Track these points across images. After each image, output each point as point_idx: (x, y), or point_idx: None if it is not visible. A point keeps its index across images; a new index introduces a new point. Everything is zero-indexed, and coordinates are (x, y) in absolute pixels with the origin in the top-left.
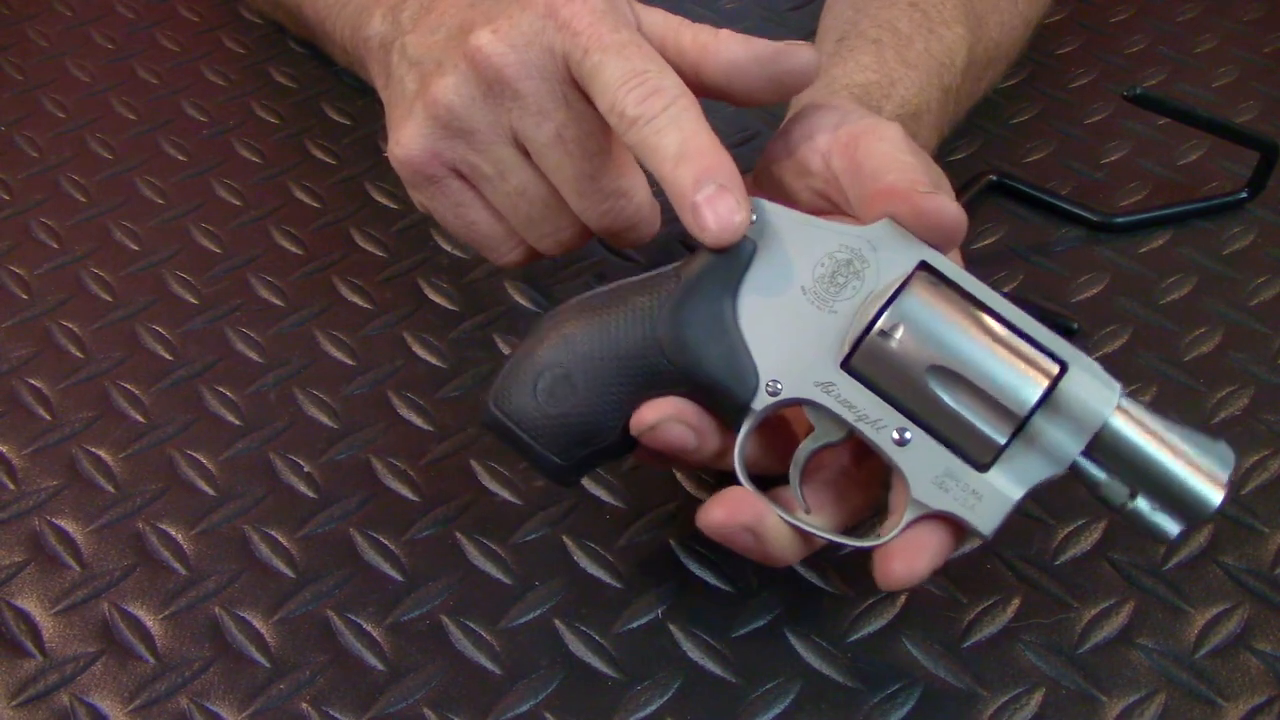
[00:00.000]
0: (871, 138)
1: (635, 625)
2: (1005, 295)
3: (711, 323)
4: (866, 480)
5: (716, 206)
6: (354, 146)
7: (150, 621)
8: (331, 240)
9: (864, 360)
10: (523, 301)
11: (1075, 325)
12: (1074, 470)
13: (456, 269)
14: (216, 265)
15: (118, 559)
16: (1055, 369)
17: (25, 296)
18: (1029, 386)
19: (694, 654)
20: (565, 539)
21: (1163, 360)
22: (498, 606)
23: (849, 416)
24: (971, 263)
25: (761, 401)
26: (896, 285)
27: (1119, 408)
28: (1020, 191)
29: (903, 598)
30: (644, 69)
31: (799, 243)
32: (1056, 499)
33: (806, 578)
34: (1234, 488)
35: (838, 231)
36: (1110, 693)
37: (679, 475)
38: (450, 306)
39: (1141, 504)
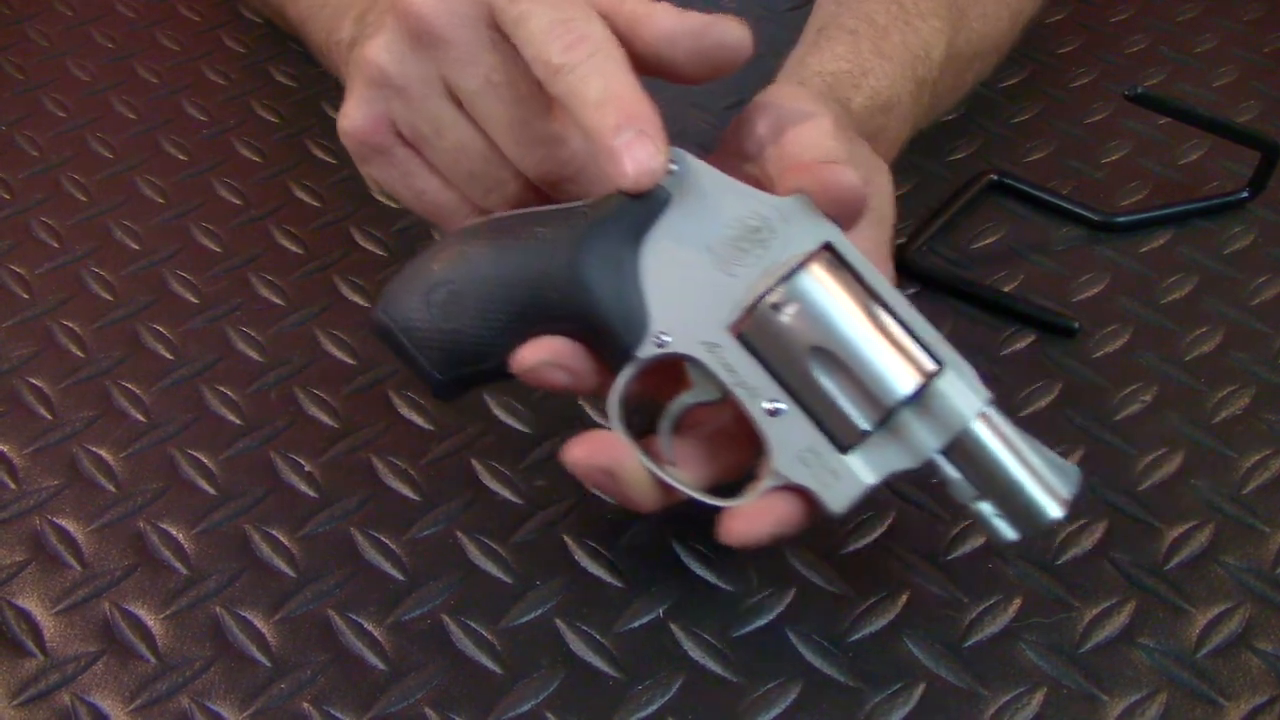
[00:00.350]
0: (805, 126)
1: (636, 624)
2: (906, 294)
3: (611, 265)
4: (743, 443)
5: (634, 151)
6: None
7: (151, 621)
8: (332, 239)
9: (751, 329)
10: None
11: (1076, 325)
12: (929, 465)
13: None
14: (217, 264)
15: (119, 558)
16: (932, 367)
17: (26, 296)
18: (902, 380)
19: (695, 653)
20: (566, 538)
21: (1163, 360)
22: (499, 606)
23: (727, 380)
24: (972, 262)
25: (646, 351)
26: (797, 261)
27: (982, 415)
28: (1021, 191)
29: (904, 597)
30: (569, 16)
31: (713, 202)
32: None
33: (808, 577)
34: (1235, 487)
35: (753, 198)
36: (1112, 692)
37: None
38: None
39: (985, 507)
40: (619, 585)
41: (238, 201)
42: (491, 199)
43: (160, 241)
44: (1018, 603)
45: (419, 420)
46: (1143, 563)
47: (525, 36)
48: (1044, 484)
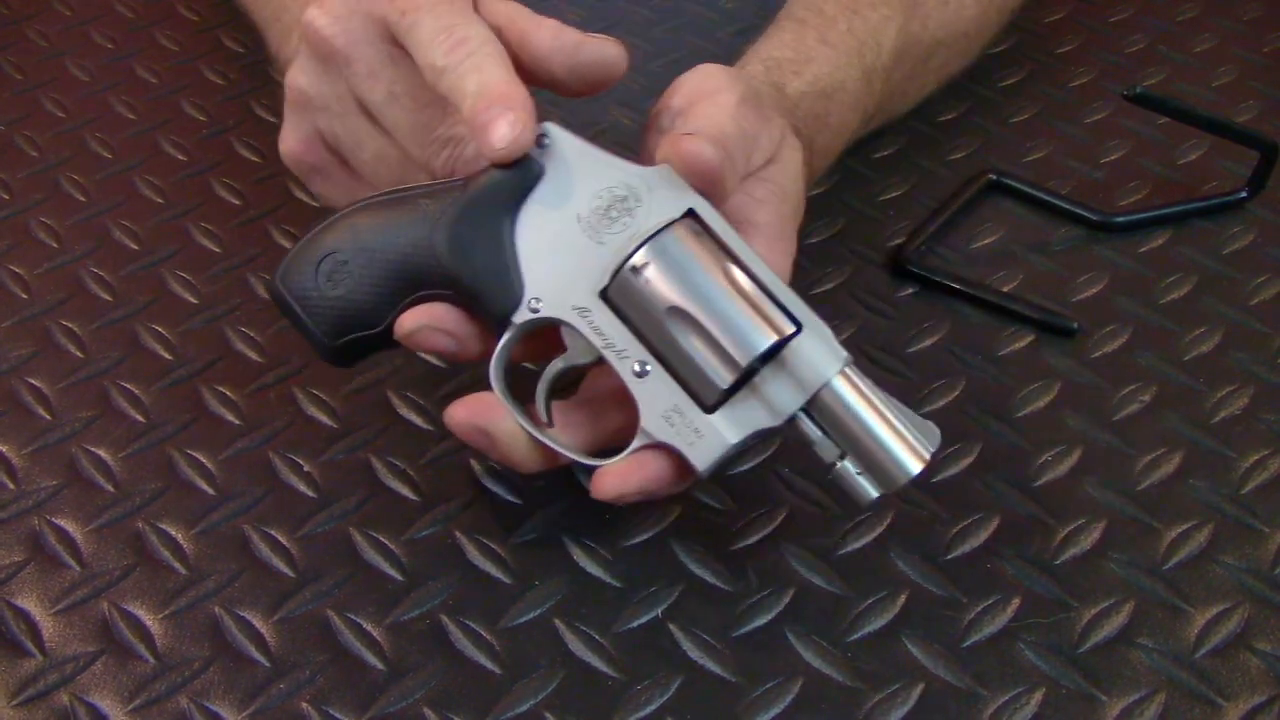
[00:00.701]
0: (707, 101)
1: (635, 624)
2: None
3: (487, 235)
4: (624, 409)
5: (499, 124)
6: None
7: (150, 621)
8: None
9: (618, 292)
10: None
11: (1075, 325)
12: (791, 425)
13: None
14: (216, 264)
15: (117, 558)
16: (788, 329)
17: (25, 296)
18: (756, 338)
19: (694, 653)
20: (565, 538)
21: (1162, 360)
22: (497, 606)
23: (598, 343)
24: (970, 262)
25: (522, 316)
26: (658, 227)
27: (841, 374)
28: (1020, 191)
29: (903, 597)
30: (452, 23)
31: (583, 173)
32: (1055, 498)
33: (807, 577)
34: (1234, 487)
35: (620, 168)
36: (1110, 692)
37: None
38: None
39: (848, 465)
40: (618, 585)
41: (236, 201)
42: None
43: (159, 241)
44: (1016, 603)
45: (418, 420)
46: (1141, 563)
47: (414, 44)
48: (904, 441)
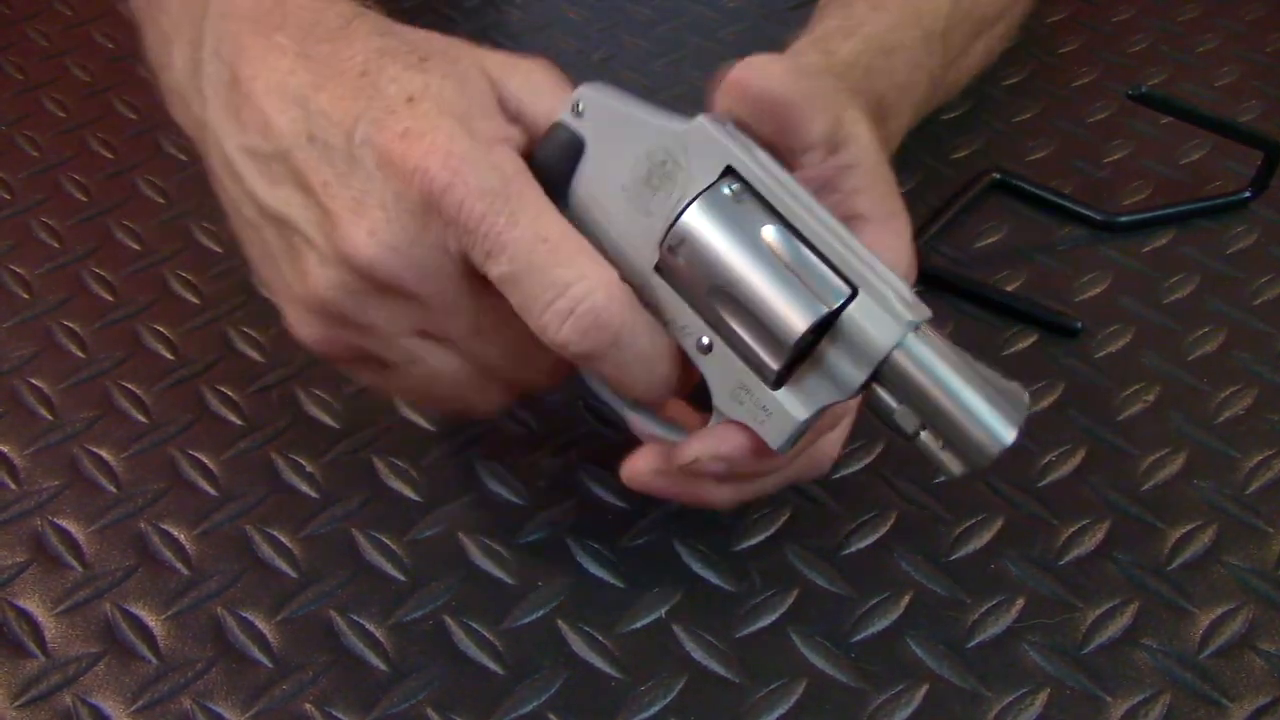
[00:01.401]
0: (755, 59)
1: (638, 625)
2: (820, 203)
3: None
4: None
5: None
6: None
7: (152, 622)
8: None
9: (666, 270)
10: None
11: (1078, 325)
12: (866, 397)
13: None
14: (218, 264)
15: (120, 559)
16: (835, 300)
17: (26, 296)
18: (794, 319)
19: (697, 654)
20: (568, 539)
21: (1166, 360)
22: (500, 606)
23: (663, 317)
24: (974, 261)
25: None
26: (687, 200)
27: (906, 342)
28: (1023, 190)
29: (907, 597)
30: (564, 281)
31: (622, 139)
32: (1059, 498)
33: (810, 578)
34: (1238, 487)
35: (656, 129)
36: (1115, 693)
37: None
38: None
39: (928, 438)
40: (621, 586)
41: None
42: (487, 402)
43: (161, 241)
44: (1020, 603)
45: (420, 421)
46: (1145, 563)
47: (518, 303)
48: (980, 418)
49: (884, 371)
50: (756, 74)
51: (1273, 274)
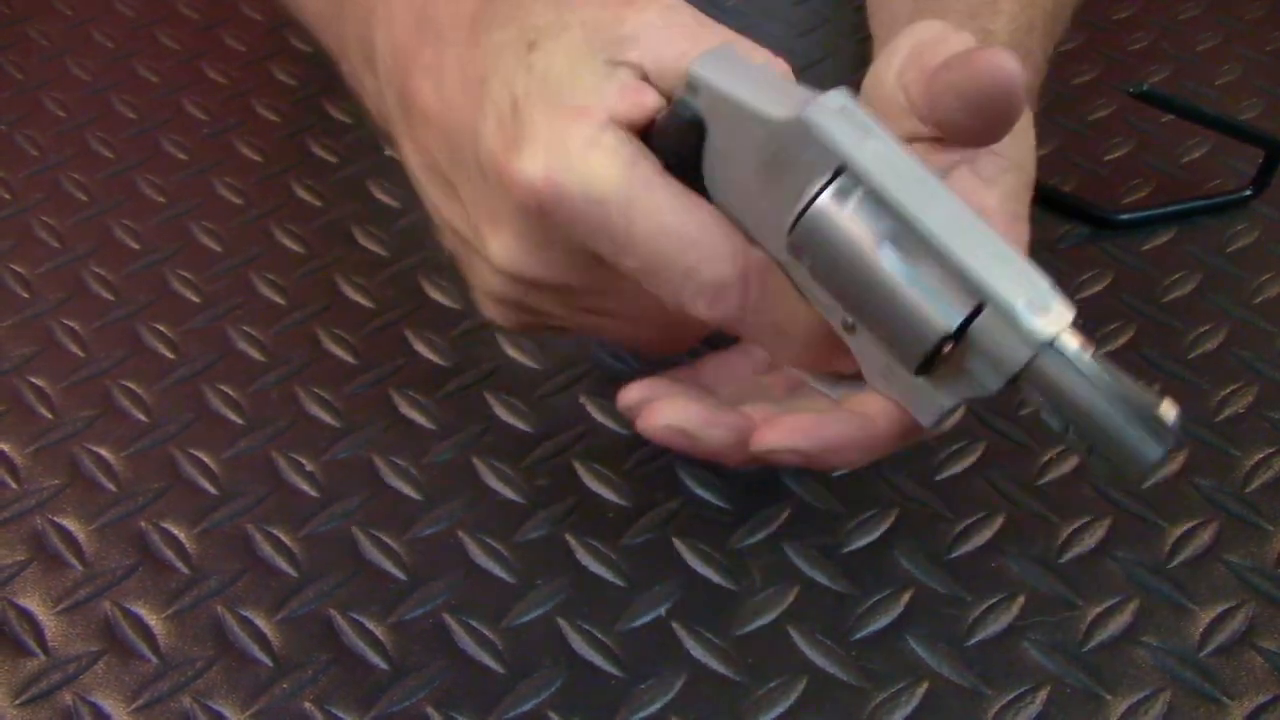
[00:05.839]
0: (945, 43)
1: (638, 623)
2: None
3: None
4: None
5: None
6: (355, 144)
7: (153, 620)
8: (333, 238)
9: (799, 256)
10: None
11: (1080, 323)
12: (1012, 390)
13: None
14: (218, 263)
15: (120, 558)
16: (955, 320)
17: (26, 295)
18: (914, 343)
19: (697, 652)
20: (568, 537)
21: (1166, 358)
22: (500, 605)
23: (807, 294)
24: None
25: None
26: (807, 198)
27: (1037, 358)
28: None
29: (907, 595)
30: (692, 267)
31: (734, 126)
32: (1059, 496)
33: (810, 575)
34: (1239, 485)
35: (761, 121)
36: (1115, 691)
37: (682, 473)
38: (452, 304)
39: (1075, 438)
40: (621, 584)
41: (238, 200)
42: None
43: (161, 241)
44: (1021, 601)
45: (420, 419)
46: (1146, 561)
47: (657, 293)
48: (1120, 439)
49: (1022, 378)
50: (1004, 61)
51: (1274, 272)
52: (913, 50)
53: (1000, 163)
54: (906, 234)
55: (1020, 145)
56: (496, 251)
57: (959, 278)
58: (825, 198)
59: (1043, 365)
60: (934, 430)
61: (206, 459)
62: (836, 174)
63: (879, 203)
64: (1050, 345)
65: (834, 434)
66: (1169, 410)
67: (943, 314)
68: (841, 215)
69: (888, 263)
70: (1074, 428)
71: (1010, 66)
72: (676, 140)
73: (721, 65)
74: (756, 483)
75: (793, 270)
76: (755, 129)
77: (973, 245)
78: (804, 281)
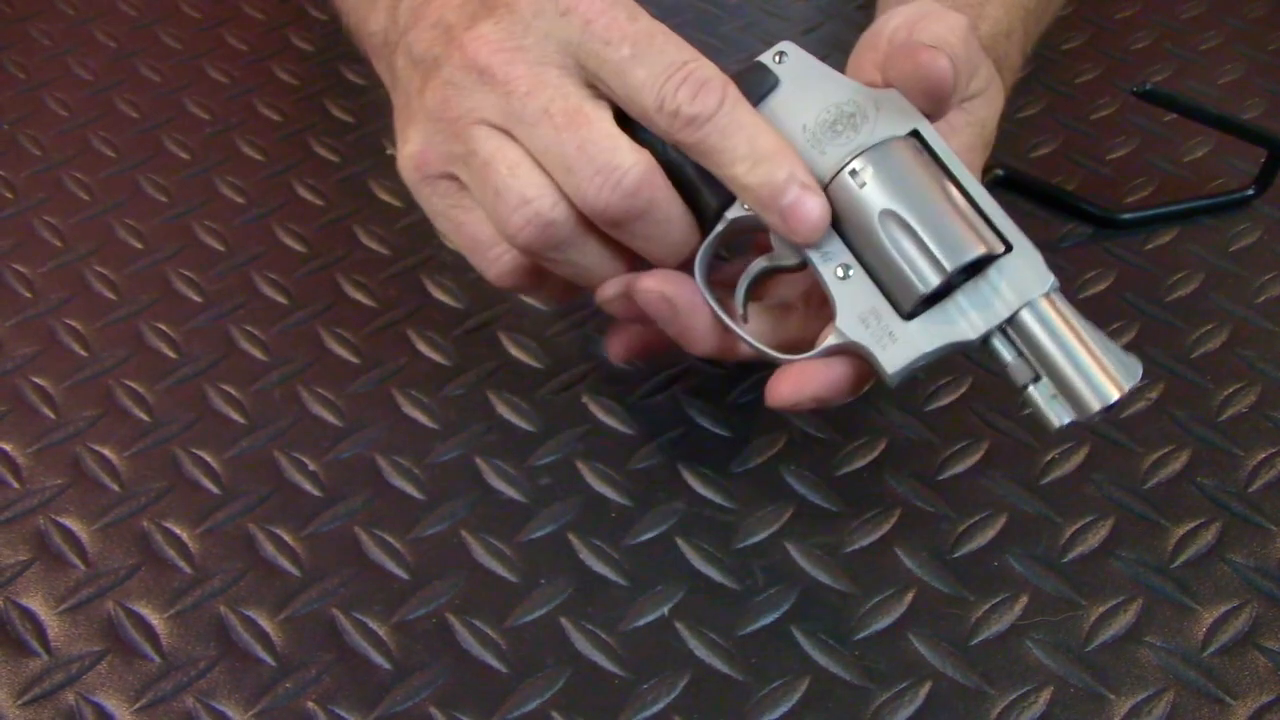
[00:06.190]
0: (932, 19)
1: (642, 623)
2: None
3: None
4: (808, 320)
5: (804, 210)
6: (357, 144)
7: (155, 620)
8: (335, 238)
9: (833, 196)
10: (526, 298)
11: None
12: (985, 345)
13: (460, 266)
14: (220, 263)
15: (123, 557)
16: (999, 247)
17: (29, 295)
18: (965, 246)
19: (701, 652)
20: (571, 537)
21: (1169, 357)
22: (504, 604)
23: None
24: None
25: (736, 212)
26: (880, 139)
27: (1047, 296)
28: (1026, 187)
29: (910, 595)
30: (682, 59)
31: (815, 89)
32: (1062, 495)
33: (813, 575)
34: (1242, 484)
35: (852, 88)
36: (1118, 691)
37: (685, 473)
38: (454, 304)
39: (1041, 389)
40: (624, 584)
41: (240, 200)
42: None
43: (163, 240)
44: (1024, 601)
45: (423, 419)
46: (1149, 561)
47: (635, 84)
48: (1103, 369)
49: (1016, 320)
50: (937, 59)
51: (1276, 271)
52: (904, 20)
53: (967, 118)
54: (954, 188)
55: (986, 108)
56: (490, 25)
57: (994, 227)
58: (901, 142)
59: (1046, 304)
60: (892, 384)
61: (209, 458)
62: (909, 135)
63: (937, 160)
64: (1056, 290)
65: (834, 377)
66: (1136, 366)
67: (985, 241)
68: (918, 153)
69: (950, 193)
70: (1048, 367)
71: (940, 67)
72: (744, 89)
73: (804, 50)
74: (759, 482)
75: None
76: (840, 92)
77: (1002, 213)
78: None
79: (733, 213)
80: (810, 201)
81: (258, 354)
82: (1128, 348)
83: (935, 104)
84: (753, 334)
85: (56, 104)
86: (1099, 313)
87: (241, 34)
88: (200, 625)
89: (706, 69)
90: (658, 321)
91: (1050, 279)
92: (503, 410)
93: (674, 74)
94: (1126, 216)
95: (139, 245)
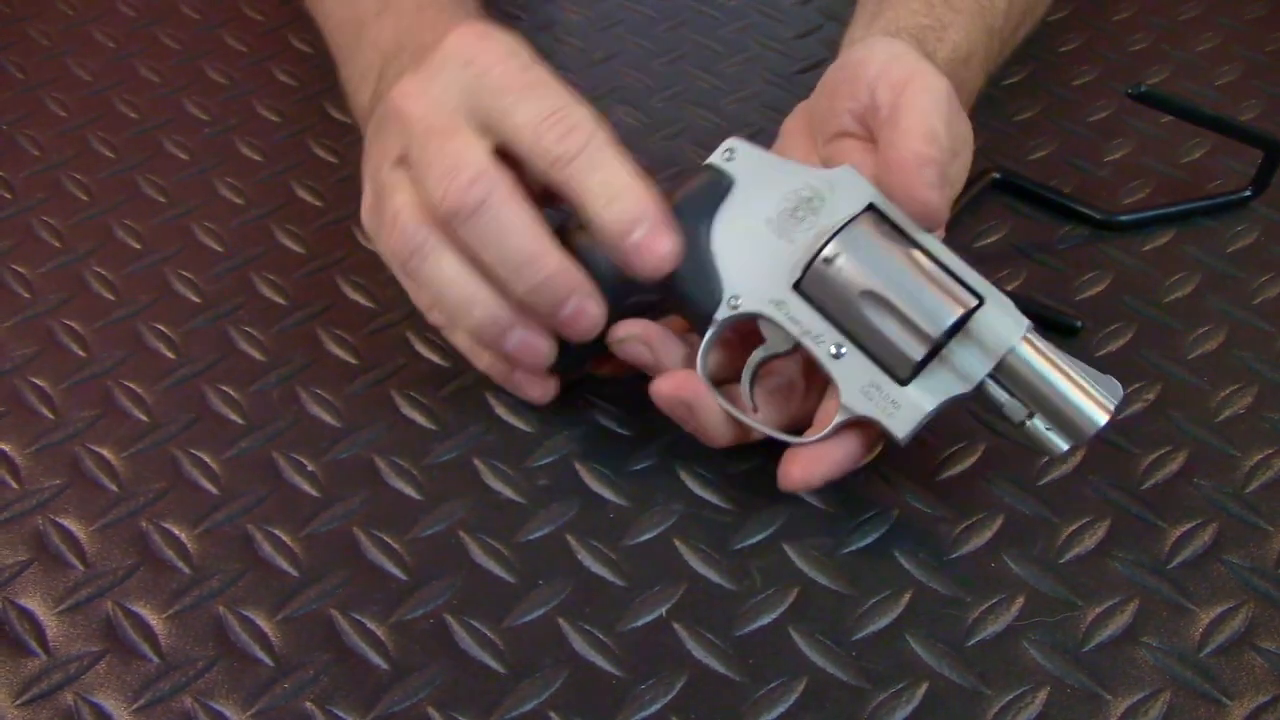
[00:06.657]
0: (918, 86)
1: (639, 623)
2: (944, 242)
3: (689, 243)
4: (810, 394)
5: (652, 246)
6: (356, 145)
7: (154, 620)
8: (333, 239)
9: (811, 283)
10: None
11: (1079, 323)
12: (980, 390)
13: None
14: (219, 264)
15: (121, 558)
16: (971, 301)
17: (27, 295)
18: (943, 313)
19: (698, 652)
20: (569, 537)
21: (1166, 358)
22: (501, 605)
23: (795, 330)
24: (975, 260)
25: (723, 313)
26: (844, 220)
27: (1024, 339)
28: (1024, 189)
29: (907, 595)
30: (557, 105)
31: (769, 180)
32: (1059, 496)
33: (810, 576)
34: (1238, 485)
35: (803, 173)
36: (1115, 691)
37: (683, 474)
38: None
39: (1037, 423)
40: (622, 584)
41: (239, 201)
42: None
43: (162, 241)
44: (1020, 601)
45: (421, 420)
46: (1146, 562)
47: (514, 126)
48: (1089, 396)
49: (1003, 365)
50: (931, 198)
51: (1273, 273)
52: (882, 72)
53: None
54: (919, 253)
55: (960, 170)
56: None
57: (964, 283)
58: (863, 219)
59: (1029, 343)
60: (903, 440)
61: (208, 459)
62: (866, 209)
63: (898, 230)
64: (1031, 330)
65: (842, 454)
66: (1116, 385)
67: (960, 301)
68: (880, 228)
69: (917, 263)
70: (1039, 403)
71: (937, 209)
72: (698, 201)
73: (749, 142)
74: (757, 484)
75: (788, 307)
76: (793, 180)
77: (967, 268)
78: (798, 314)
79: (721, 314)
80: (660, 240)
81: (256, 354)
82: (1125, 349)
83: (930, 226)
84: (763, 421)
85: (55, 104)
86: (1097, 315)
87: (241, 35)
88: (199, 625)
89: (577, 114)
90: (677, 422)
91: (1025, 322)
92: (501, 411)
93: (548, 117)
94: (1124, 218)
95: (138, 246)
